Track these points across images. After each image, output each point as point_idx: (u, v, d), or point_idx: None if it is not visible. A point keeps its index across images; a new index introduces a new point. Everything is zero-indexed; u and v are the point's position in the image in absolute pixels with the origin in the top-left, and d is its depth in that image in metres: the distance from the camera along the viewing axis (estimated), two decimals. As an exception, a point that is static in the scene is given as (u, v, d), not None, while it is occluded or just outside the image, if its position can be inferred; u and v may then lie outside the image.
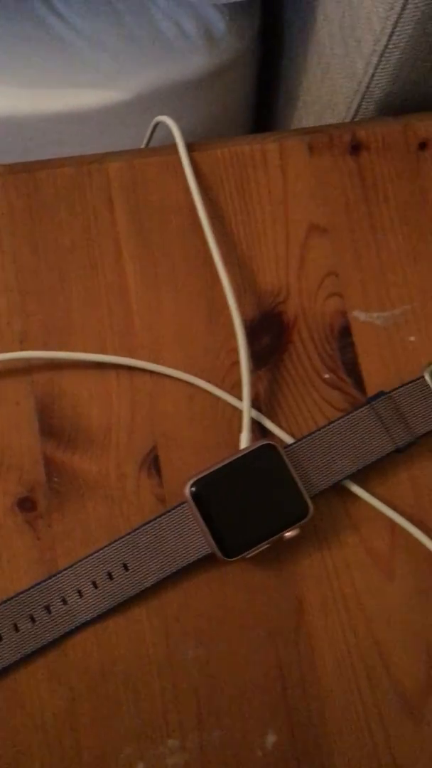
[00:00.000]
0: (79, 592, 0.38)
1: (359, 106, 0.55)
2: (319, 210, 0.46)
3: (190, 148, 0.47)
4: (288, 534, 0.38)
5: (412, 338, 0.44)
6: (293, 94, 0.71)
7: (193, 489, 0.38)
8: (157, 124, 0.53)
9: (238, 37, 0.71)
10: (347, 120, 0.57)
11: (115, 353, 0.43)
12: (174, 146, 0.47)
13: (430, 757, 0.39)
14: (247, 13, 0.72)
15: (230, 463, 0.39)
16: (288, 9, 0.71)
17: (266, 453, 0.39)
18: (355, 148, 0.47)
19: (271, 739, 0.38)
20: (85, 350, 0.43)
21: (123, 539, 0.39)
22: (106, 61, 0.68)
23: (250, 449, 0.39)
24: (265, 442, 0.39)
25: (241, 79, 0.74)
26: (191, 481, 0.38)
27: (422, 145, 0.48)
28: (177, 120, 0.70)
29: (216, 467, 0.38)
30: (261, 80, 0.79)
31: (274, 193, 0.46)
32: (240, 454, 0.39)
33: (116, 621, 0.39)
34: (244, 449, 0.39)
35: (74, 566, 0.39)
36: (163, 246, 0.45)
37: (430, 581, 0.41)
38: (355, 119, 0.56)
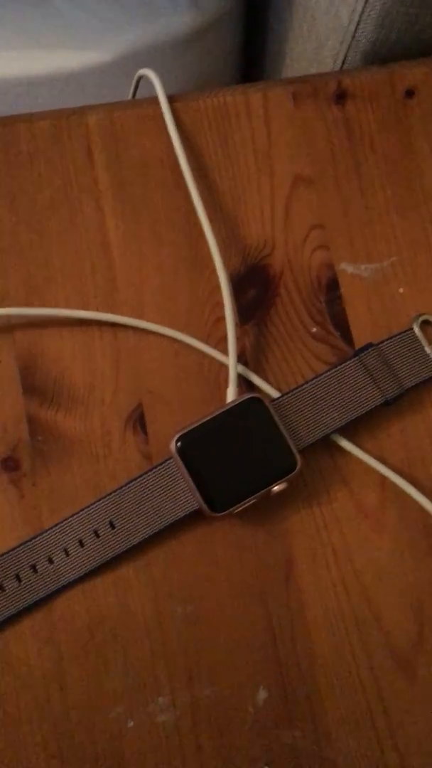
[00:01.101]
0: (66, 550, 0.38)
1: (345, 57, 0.53)
2: (304, 161, 0.45)
3: (171, 100, 0.45)
4: (276, 488, 0.38)
5: (400, 290, 0.44)
6: (280, 50, 0.69)
7: (179, 444, 0.37)
8: (140, 78, 0.51)
9: (222, -6, 0.69)
10: (334, 73, 0.56)
11: (98, 310, 0.42)
12: (155, 99, 0.45)
13: (424, 711, 0.38)
14: (230, -30, 0.70)
15: (216, 417, 0.38)
16: (272, -36, 0.69)
17: (252, 407, 0.38)
18: (341, 97, 0.46)
19: (262, 695, 0.38)
20: (67, 307, 0.42)
21: (109, 497, 0.38)
22: (87, 22, 0.67)
23: (236, 403, 0.38)
24: (251, 395, 0.38)
25: (226, 37, 0.72)
26: (177, 436, 0.37)
27: (409, 93, 0.46)
28: (162, 80, 0.68)
29: (201, 421, 0.38)
30: (247, 38, 0.77)
31: (258, 145, 0.45)
32: (226, 408, 0.38)
33: (104, 579, 0.38)
34: (229, 403, 0.38)
35: (60, 525, 0.38)
36: (145, 200, 0.44)
37: (420, 535, 0.40)
38: (342, 72, 0.55)
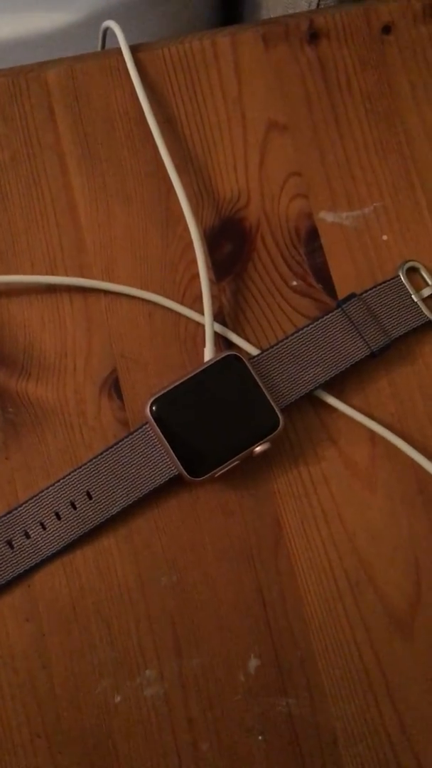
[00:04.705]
0: (42, 524, 0.36)
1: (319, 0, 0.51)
2: (277, 106, 0.43)
3: (135, 50, 0.43)
4: (258, 449, 0.36)
5: (384, 237, 0.41)
6: (257, 1, 0.66)
7: (154, 408, 0.36)
8: (106, 31, 0.49)
9: None
10: (309, 16, 0.53)
11: (66, 274, 0.40)
12: (118, 50, 0.43)
13: (423, 672, 0.37)
14: None
15: (192, 377, 0.36)
16: None
17: (231, 365, 0.37)
18: (314, 36, 0.44)
19: (253, 663, 0.36)
20: (33, 272, 0.40)
21: (84, 467, 0.37)
22: (54, -20, 0.64)
23: (213, 362, 0.36)
24: (228, 353, 0.36)
25: (200, -10, 0.69)
26: (151, 400, 0.36)
27: (386, 29, 0.44)
28: (133, 38, 0.66)
29: (177, 383, 0.36)
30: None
31: (228, 92, 0.43)
32: (202, 368, 0.36)
33: (84, 552, 0.37)
34: (206, 362, 0.36)
35: (35, 498, 0.36)
36: (111, 156, 0.41)
37: (413, 490, 0.38)
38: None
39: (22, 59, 0.64)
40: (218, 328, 0.39)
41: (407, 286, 0.40)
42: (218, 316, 0.40)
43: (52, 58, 0.63)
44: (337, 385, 0.39)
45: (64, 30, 0.64)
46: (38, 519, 0.36)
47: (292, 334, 0.38)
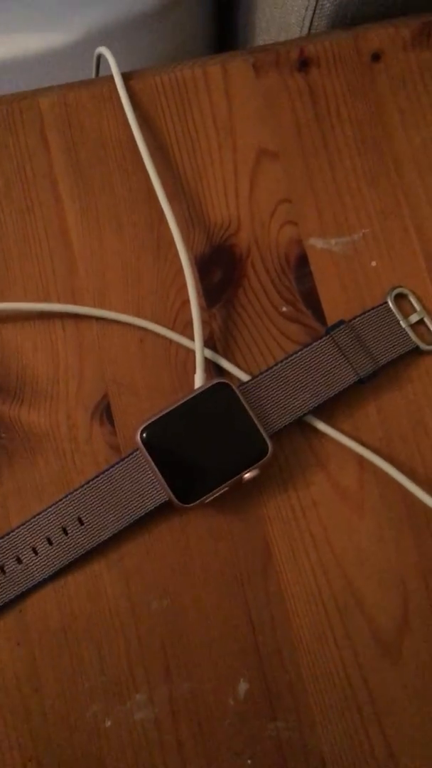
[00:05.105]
0: (34, 549, 0.37)
1: (311, 23, 0.51)
2: (268, 134, 0.43)
3: (126, 77, 0.44)
4: (247, 475, 0.37)
5: (373, 263, 0.42)
6: (250, 21, 0.67)
7: (144, 435, 0.36)
8: (100, 57, 0.49)
9: (188, -35, 0.67)
10: (301, 41, 0.54)
11: (59, 300, 0.40)
12: (111, 78, 0.44)
13: (410, 696, 0.37)
14: None
15: (182, 405, 0.37)
16: None
17: (220, 392, 0.37)
18: (304, 64, 0.44)
19: (243, 687, 0.37)
20: (26, 298, 0.40)
21: (75, 492, 0.37)
22: (49, 1, 0.65)
23: (202, 389, 0.37)
24: (218, 380, 0.37)
25: (194, 11, 0.70)
26: (141, 427, 0.36)
27: (375, 57, 0.45)
28: (129, 59, 0.66)
29: (167, 410, 0.36)
30: (219, 10, 0.75)
31: (219, 119, 0.43)
32: (192, 395, 0.37)
33: (75, 577, 0.37)
34: (196, 390, 0.37)
35: (27, 523, 0.37)
36: (104, 183, 0.42)
37: (401, 515, 0.39)
38: (309, 38, 0.53)
39: (16, 80, 0.64)
40: (209, 353, 0.40)
41: (395, 313, 0.41)
42: (209, 342, 0.40)
43: (48, 82, 0.64)
44: (326, 410, 0.40)
45: (58, 51, 0.65)
46: (30, 544, 0.37)
47: (281, 361, 0.39)
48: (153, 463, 0.36)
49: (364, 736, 0.37)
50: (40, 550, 0.37)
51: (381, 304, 0.41)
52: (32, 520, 0.37)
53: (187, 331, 0.40)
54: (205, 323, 0.41)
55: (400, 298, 0.42)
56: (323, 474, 0.39)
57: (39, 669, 0.36)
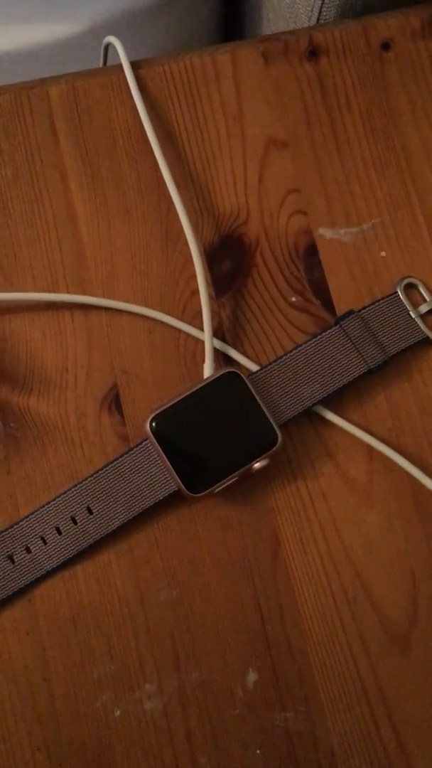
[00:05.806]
0: (43, 539, 0.37)
1: (320, 12, 0.51)
2: (277, 123, 0.43)
3: (135, 66, 0.43)
4: (257, 465, 0.36)
5: (383, 253, 0.42)
6: (257, 10, 0.67)
7: (153, 424, 0.36)
8: (108, 46, 0.49)
9: None
10: (309, 31, 0.54)
11: (68, 290, 0.40)
12: (119, 66, 0.43)
13: (420, 687, 0.37)
14: None
15: (191, 394, 0.36)
16: None
17: (230, 381, 0.37)
18: (313, 53, 0.44)
19: (252, 677, 0.37)
20: (35, 288, 0.40)
21: (85, 482, 0.37)
22: (56, -8, 0.64)
23: (212, 378, 0.37)
24: (228, 370, 0.37)
25: (200, 3, 0.70)
26: (151, 416, 0.36)
27: (385, 46, 0.44)
28: (137, 50, 0.66)
29: (176, 400, 0.36)
30: (224, 3, 0.75)
31: (228, 108, 0.43)
32: (201, 384, 0.37)
33: (84, 567, 0.37)
34: (205, 379, 0.37)
35: (36, 513, 0.37)
36: (112, 172, 0.42)
37: (410, 505, 0.39)
38: (317, 28, 0.52)
39: (24, 71, 0.64)
40: (217, 344, 0.40)
41: (405, 303, 0.40)
42: (218, 332, 0.40)
43: (54, 73, 0.64)
44: (335, 400, 0.40)
45: (65, 42, 0.65)
46: (39, 534, 0.37)
47: (291, 351, 0.39)
48: (162, 453, 0.36)
49: (373, 726, 0.37)
50: (50, 539, 0.37)
51: (390, 294, 0.41)
52: (41, 510, 0.37)
53: (196, 321, 0.40)
54: (213, 313, 0.40)
55: (409, 288, 0.41)
56: (332, 464, 0.39)
57: (48, 658, 0.36)
